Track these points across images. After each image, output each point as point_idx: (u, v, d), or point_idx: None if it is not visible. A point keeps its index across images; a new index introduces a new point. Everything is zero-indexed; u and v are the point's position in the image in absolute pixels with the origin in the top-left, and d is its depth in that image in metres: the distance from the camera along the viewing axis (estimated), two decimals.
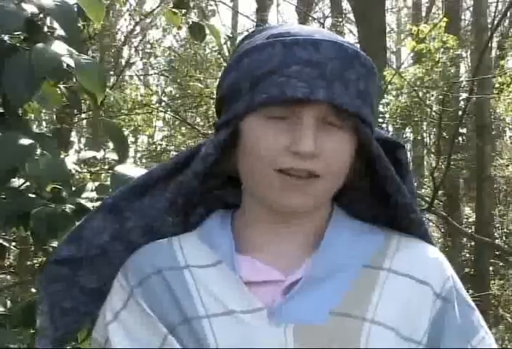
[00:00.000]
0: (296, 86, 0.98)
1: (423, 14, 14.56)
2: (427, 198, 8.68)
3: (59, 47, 1.63)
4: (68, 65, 1.63)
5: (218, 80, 1.11)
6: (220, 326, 0.98)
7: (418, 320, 1.02)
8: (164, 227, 1.12)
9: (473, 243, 11.78)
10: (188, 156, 1.12)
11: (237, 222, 1.09)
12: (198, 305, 1.01)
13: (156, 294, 1.03)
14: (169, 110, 11.05)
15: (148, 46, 12.78)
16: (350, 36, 14.95)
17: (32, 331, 1.95)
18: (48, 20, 2.01)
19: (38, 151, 1.64)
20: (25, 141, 1.62)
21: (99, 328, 1.07)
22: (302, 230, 1.07)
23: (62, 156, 1.81)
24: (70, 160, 1.96)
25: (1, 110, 1.74)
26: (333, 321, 0.99)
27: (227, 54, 9.61)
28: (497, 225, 12.83)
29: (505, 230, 12.75)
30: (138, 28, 12.98)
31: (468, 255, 12.43)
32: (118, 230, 1.12)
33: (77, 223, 1.17)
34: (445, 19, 8.53)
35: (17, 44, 1.69)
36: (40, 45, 1.61)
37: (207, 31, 2.66)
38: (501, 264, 11.94)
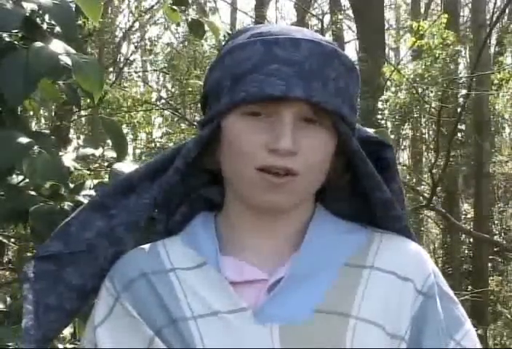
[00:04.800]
0: (274, 84, 0.99)
1: (422, 10, 14.54)
2: (426, 195, 8.68)
3: (57, 46, 1.63)
4: (66, 63, 1.63)
5: (204, 79, 1.12)
6: (206, 327, 0.99)
7: (400, 316, 1.03)
8: (149, 224, 1.13)
9: (471, 240, 11.80)
10: (173, 154, 1.12)
11: (220, 222, 1.10)
12: (185, 306, 1.01)
13: (141, 297, 1.04)
14: (168, 107, 11.05)
15: (147, 42, 12.78)
16: (349, 33, 14.95)
17: None
18: (47, 18, 2.01)
19: (36, 150, 1.64)
20: (23, 139, 1.62)
21: (87, 333, 1.08)
22: (284, 228, 1.07)
23: (60, 154, 1.81)
24: (69, 157, 1.96)
25: None
26: (318, 319, 0.99)
27: None
28: (496, 222, 12.85)
29: (503, 226, 12.77)
30: (137, 25, 12.98)
31: (466, 251, 12.44)
32: (104, 227, 1.12)
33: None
34: (445, 15, 8.54)
35: (15, 42, 1.69)
36: (38, 43, 1.61)
37: (207, 28, 2.66)
38: (500, 260, 11.96)
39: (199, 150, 1.08)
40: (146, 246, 1.10)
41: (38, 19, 1.86)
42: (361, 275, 1.04)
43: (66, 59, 1.61)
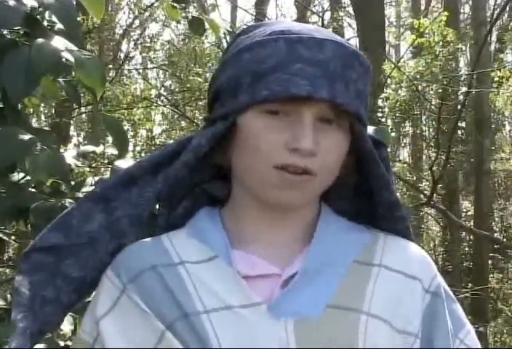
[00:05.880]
0: (299, 84, 0.99)
1: (422, 7, 14.53)
2: (426, 192, 8.69)
3: (59, 42, 1.63)
4: (66, 59, 1.63)
5: (213, 73, 1.11)
6: (219, 322, 0.98)
7: (411, 314, 1.04)
8: (151, 217, 1.12)
9: (472, 237, 11.80)
10: (177, 148, 1.12)
11: (227, 217, 1.09)
12: (196, 300, 1.00)
13: (150, 290, 1.02)
14: (168, 104, 11.06)
15: (147, 39, 12.78)
16: (349, 30, 14.95)
17: None
18: (47, 14, 2.01)
19: (38, 146, 1.64)
20: (25, 136, 1.61)
21: (86, 326, 1.06)
22: (293, 224, 1.07)
23: (61, 151, 1.81)
24: (70, 154, 1.96)
25: (0, 105, 1.73)
26: (331, 314, 1.00)
27: None
28: (497, 219, 12.85)
29: (504, 223, 12.78)
30: (137, 22, 12.97)
31: (467, 249, 12.45)
32: (106, 219, 1.10)
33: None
34: (445, 12, 8.54)
35: (17, 39, 1.68)
36: (40, 40, 1.60)
37: (207, 25, 2.66)
38: (500, 257, 11.96)
39: (211, 145, 1.07)
40: (150, 239, 1.09)
41: (38, 16, 1.86)
42: (370, 273, 1.05)
43: (68, 56, 1.60)
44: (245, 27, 1.14)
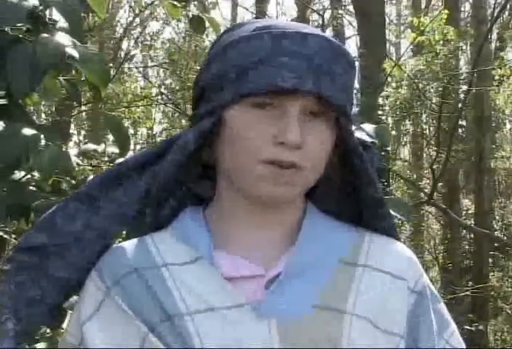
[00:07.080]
0: (285, 77, 0.98)
1: (423, 5, 14.52)
2: (426, 190, 8.69)
3: (62, 38, 1.62)
4: (69, 56, 1.62)
5: (198, 72, 1.10)
6: (203, 323, 0.97)
7: (396, 314, 1.04)
8: (138, 217, 1.10)
9: (472, 235, 11.80)
10: (166, 147, 1.11)
11: (211, 216, 1.08)
12: (180, 302, 0.99)
13: (134, 293, 1.02)
14: (168, 102, 11.06)
15: (148, 38, 12.78)
16: (350, 28, 14.95)
17: None
18: (48, 12, 2.00)
19: (43, 143, 1.64)
20: (29, 132, 1.61)
21: (72, 329, 1.05)
22: (279, 223, 1.07)
23: (64, 148, 1.81)
24: (71, 153, 1.96)
25: (5, 102, 1.73)
26: (315, 314, 0.99)
27: None
28: (497, 217, 12.85)
29: (505, 221, 12.77)
30: (138, 20, 12.98)
31: (467, 247, 12.45)
32: (91, 218, 1.09)
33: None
34: (446, 11, 8.54)
35: (20, 36, 1.68)
36: (44, 35, 1.60)
37: (207, 24, 2.66)
38: (500, 256, 11.96)
39: (198, 143, 1.05)
40: (134, 241, 1.08)
41: (40, 13, 1.86)
42: (355, 272, 1.04)
43: (72, 52, 1.60)
44: (230, 26, 1.13)
